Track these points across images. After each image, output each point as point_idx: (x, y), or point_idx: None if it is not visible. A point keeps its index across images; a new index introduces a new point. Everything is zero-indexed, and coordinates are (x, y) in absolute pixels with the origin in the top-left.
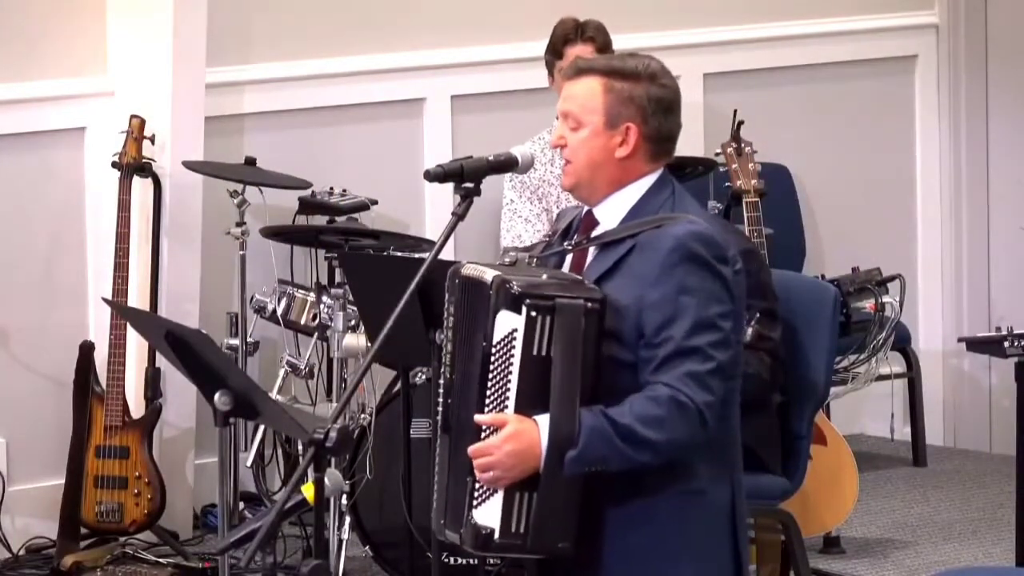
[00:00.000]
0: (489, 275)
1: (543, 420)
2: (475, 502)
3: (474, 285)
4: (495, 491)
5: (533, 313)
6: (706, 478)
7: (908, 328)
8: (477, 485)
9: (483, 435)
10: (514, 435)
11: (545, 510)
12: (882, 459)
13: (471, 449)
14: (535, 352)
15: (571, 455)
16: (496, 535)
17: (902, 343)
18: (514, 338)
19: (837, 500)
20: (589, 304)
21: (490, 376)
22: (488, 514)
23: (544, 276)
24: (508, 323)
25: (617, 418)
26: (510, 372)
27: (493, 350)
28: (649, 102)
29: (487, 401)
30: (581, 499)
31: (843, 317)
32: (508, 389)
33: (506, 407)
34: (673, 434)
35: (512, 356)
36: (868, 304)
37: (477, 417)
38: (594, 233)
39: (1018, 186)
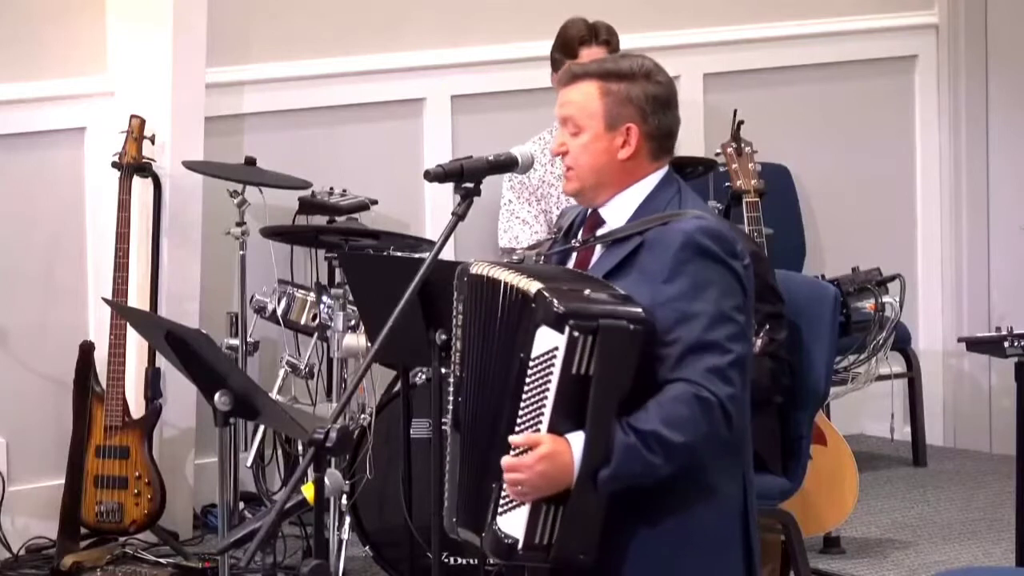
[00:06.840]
0: (532, 287)
1: (576, 440)
2: (500, 509)
3: (504, 291)
4: (522, 502)
5: (576, 334)
6: (716, 474)
7: (908, 328)
8: (504, 493)
9: (514, 452)
10: (548, 456)
11: (571, 525)
12: (882, 459)
13: (504, 462)
14: (574, 371)
15: (604, 475)
16: (519, 546)
17: (902, 343)
18: (554, 356)
19: (837, 500)
20: (632, 327)
21: (525, 389)
22: (513, 523)
23: (587, 291)
24: (549, 340)
25: (642, 426)
26: (547, 389)
27: (531, 364)
28: (647, 100)
29: (520, 413)
30: (605, 512)
31: (843, 317)
32: (544, 405)
33: (540, 422)
34: (700, 432)
35: (551, 373)
36: (868, 304)
37: (512, 438)
38: (600, 232)
39: (1018, 186)
